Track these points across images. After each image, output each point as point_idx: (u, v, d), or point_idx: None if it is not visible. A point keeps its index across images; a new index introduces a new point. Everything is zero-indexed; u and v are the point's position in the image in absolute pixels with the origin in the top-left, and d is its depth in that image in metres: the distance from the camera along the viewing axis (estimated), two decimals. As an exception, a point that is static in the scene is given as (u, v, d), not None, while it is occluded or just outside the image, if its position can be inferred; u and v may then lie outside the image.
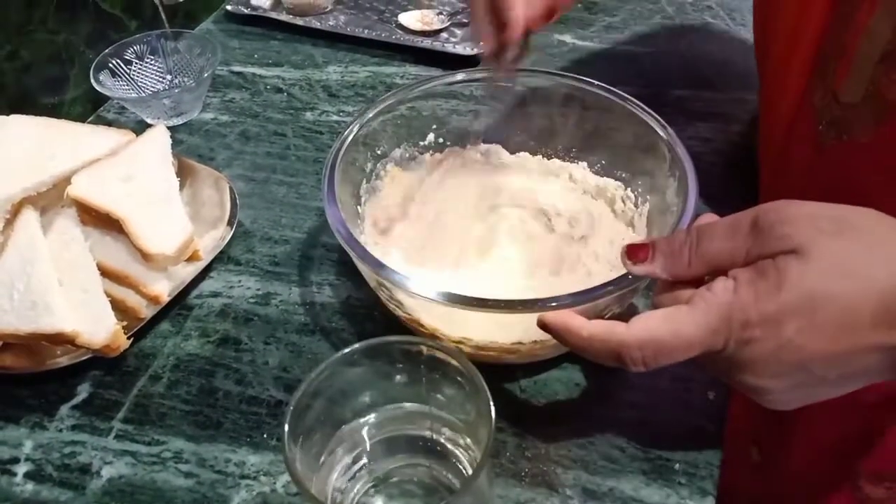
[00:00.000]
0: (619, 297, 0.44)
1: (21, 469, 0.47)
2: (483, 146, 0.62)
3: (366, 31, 0.83)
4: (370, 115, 0.55)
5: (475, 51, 0.78)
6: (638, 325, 0.36)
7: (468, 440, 0.41)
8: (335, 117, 0.73)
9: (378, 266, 0.44)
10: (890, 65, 0.41)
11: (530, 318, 0.41)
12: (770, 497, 0.61)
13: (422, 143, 0.61)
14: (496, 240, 0.57)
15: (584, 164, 0.60)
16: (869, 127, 0.43)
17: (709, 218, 0.40)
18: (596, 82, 0.56)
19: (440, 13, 0.84)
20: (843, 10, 0.44)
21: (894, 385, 0.38)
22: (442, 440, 0.42)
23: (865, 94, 0.42)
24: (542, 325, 0.40)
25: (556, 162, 0.61)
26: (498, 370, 0.50)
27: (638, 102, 0.54)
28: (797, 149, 0.49)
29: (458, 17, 0.84)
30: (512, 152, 0.62)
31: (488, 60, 0.54)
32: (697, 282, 0.37)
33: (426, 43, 0.81)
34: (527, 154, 0.62)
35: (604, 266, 0.54)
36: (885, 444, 0.51)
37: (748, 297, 0.34)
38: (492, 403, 0.36)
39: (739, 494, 0.55)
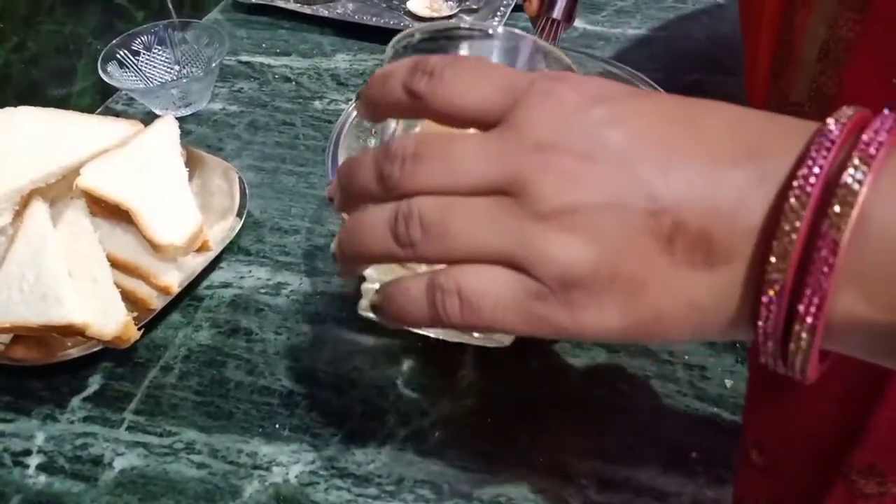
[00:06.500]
0: None
1: (33, 461, 0.47)
2: None
3: (374, 19, 0.82)
4: None
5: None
6: None
7: None
8: (344, 106, 0.73)
9: None
10: (827, 63, 0.41)
11: None
12: (775, 500, 0.60)
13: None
14: None
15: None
16: None
17: None
18: (603, 56, 0.55)
19: (448, 0, 0.84)
20: (787, 12, 0.45)
21: (864, 377, 0.37)
22: None
23: (810, 94, 0.43)
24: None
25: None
26: (510, 356, 0.49)
27: (645, 78, 0.53)
28: None
29: (467, 3, 0.83)
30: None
31: (533, 22, 0.53)
32: None
33: (435, 30, 0.80)
34: None
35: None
36: (869, 437, 0.51)
37: None
38: None
39: (749, 500, 0.55)
